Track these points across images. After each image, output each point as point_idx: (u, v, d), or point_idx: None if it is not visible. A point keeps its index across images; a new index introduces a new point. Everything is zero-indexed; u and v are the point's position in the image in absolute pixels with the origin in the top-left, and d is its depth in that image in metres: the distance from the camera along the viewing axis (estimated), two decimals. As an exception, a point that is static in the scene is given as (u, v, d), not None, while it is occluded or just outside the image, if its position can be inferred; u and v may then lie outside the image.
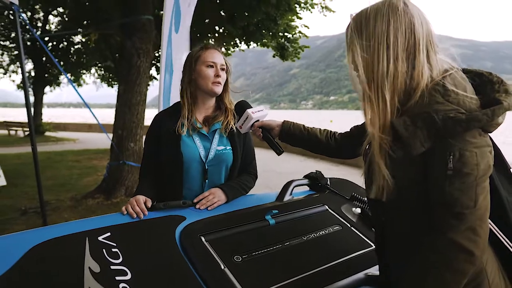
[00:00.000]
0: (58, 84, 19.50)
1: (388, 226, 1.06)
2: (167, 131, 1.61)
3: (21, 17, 3.20)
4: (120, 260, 1.09)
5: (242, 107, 1.54)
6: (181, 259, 1.16)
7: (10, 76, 18.20)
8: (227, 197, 1.58)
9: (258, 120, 1.52)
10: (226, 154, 1.68)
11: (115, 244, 1.14)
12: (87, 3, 10.95)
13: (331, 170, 8.62)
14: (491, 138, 0.95)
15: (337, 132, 1.52)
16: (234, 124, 1.66)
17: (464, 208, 0.83)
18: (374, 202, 1.08)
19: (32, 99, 17.90)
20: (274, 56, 9.97)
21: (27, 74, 18.03)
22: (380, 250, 1.13)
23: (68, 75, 18.88)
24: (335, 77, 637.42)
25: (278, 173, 7.95)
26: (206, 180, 1.65)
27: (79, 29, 11.89)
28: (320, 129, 1.52)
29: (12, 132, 17.24)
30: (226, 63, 1.68)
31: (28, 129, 16.93)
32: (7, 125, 17.54)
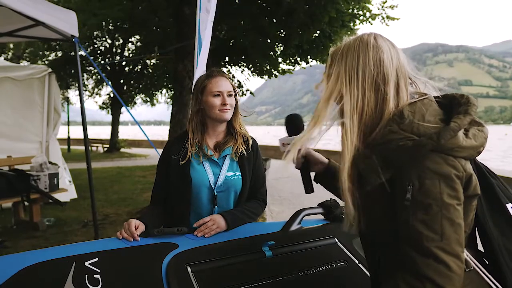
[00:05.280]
0: (134, 104, 21.25)
1: (380, 265, 0.98)
2: (177, 158, 1.64)
3: (80, 47, 3.54)
4: (99, 287, 1.11)
5: (293, 125, 1.29)
6: (161, 290, 1.15)
7: (94, 97, 20.35)
8: (228, 224, 1.54)
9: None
10: (235, 180, 1.66)
11: (98, 270, 1.17)
12: (158, 30, 11.97)
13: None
14: (480, 168, 0.89)
15: None
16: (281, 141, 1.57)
17: (429, 242, 0.75)
18: (362, 237, 1.04)
19: (110, 118, 19.71)
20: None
21: (107, 96, 20.07)
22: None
23: (143, 95, 20.55)
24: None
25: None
26: (216, 206, 1.65)
27: (152, 54, 12.96)
28: None
29: (94, 148, 19.06)
30: (233, 88, 1.68)
31: (107, 146, 18.77)
32: (89, 141, 19.49)
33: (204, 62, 3.05)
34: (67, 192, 5.60)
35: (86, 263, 1.19)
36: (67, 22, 3.53)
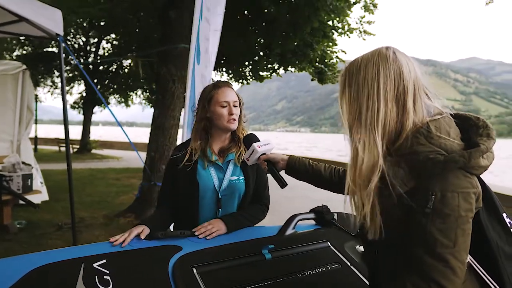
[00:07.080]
0: (108, 104, 20.76)
1: (382, 266, 1.04)
2: (184, 164, 1.70)
3: (64, 47, 3.49)
4: (110, 287, 1.14)
5: (249, 140, 1.61)
6: (169, 290, 1.19)
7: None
8: (227, 227, 1.60)
9: (264, 154, 1.57)
10: (239, 184, 1.74)
11: (107, 272, 1.20)
12: (136, 30, 11.80)
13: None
14: (482, 181, 0.97)
15: (341, 169, 1.53)
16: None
17: (443, 247, 0.84)
18: (368, 242, 1.06)
19: (78, 117, 19.14)
20: (312, 80, 10.04)
21: (79, 95, 19.49)
22: None
23: (117, 96, 20.08)
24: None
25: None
26: (220, 209, 1.71)
27: (129, 55, 12.76)
28: (325, 165, 1.55)
29: (62, 149, 18.41)
30: (238, 98, 1.77)
31: (77, 146, 18.19)
32: (58, 142, 18.85)
33: (207, 73, 3.06)
34: (40, 194, 5.42)
35: (95, 265, 1.21)
36: (51, 19, 3.46)
